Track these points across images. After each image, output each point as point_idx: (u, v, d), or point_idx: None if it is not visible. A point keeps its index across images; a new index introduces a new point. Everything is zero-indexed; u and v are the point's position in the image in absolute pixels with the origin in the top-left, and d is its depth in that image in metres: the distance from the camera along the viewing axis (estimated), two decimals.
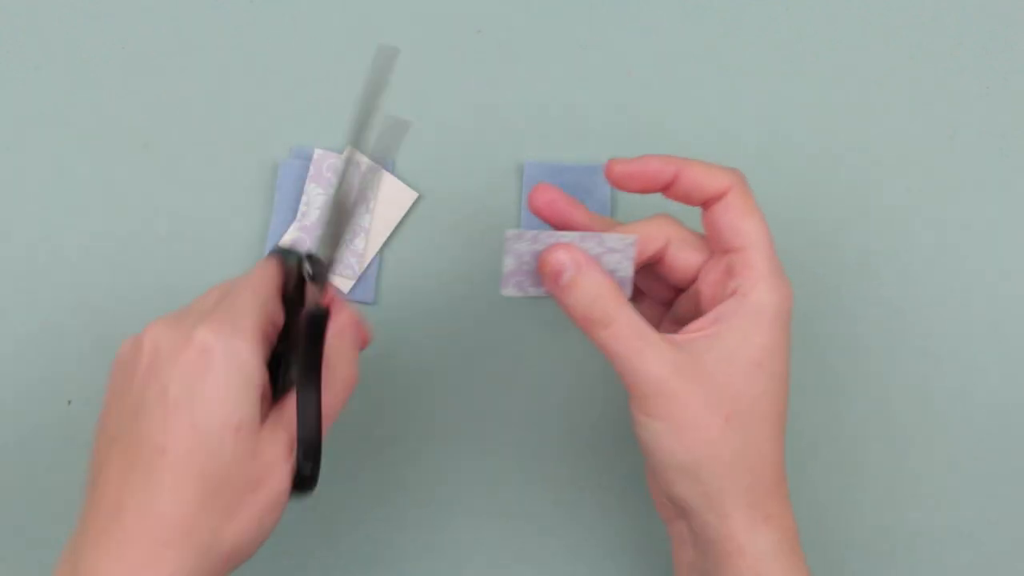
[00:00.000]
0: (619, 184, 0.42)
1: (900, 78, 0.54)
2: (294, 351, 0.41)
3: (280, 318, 0.41)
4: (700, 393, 0.39)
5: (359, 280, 0.52)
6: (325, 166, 0.52)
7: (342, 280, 0.52)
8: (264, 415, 0.39)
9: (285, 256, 0.42)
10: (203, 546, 0.37)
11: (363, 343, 0.43)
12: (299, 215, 0.52)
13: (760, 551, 0.40)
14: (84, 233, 0.52)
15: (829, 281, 0.53)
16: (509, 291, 0.43)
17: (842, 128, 0.54)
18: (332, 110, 0.53)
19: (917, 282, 0.53)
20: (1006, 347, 0.53)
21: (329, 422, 0.40)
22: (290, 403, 0.40)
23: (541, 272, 0.41)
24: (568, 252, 0.40)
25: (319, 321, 0.40)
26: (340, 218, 0.42)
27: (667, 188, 0.42)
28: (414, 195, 0.53)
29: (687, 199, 0.42)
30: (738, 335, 0.40)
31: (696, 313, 0.43)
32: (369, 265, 0.52)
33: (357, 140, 0.40)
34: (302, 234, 0.52)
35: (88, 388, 0.51)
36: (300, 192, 0.52)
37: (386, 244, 0.53)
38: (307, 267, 0.40)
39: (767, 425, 0.40)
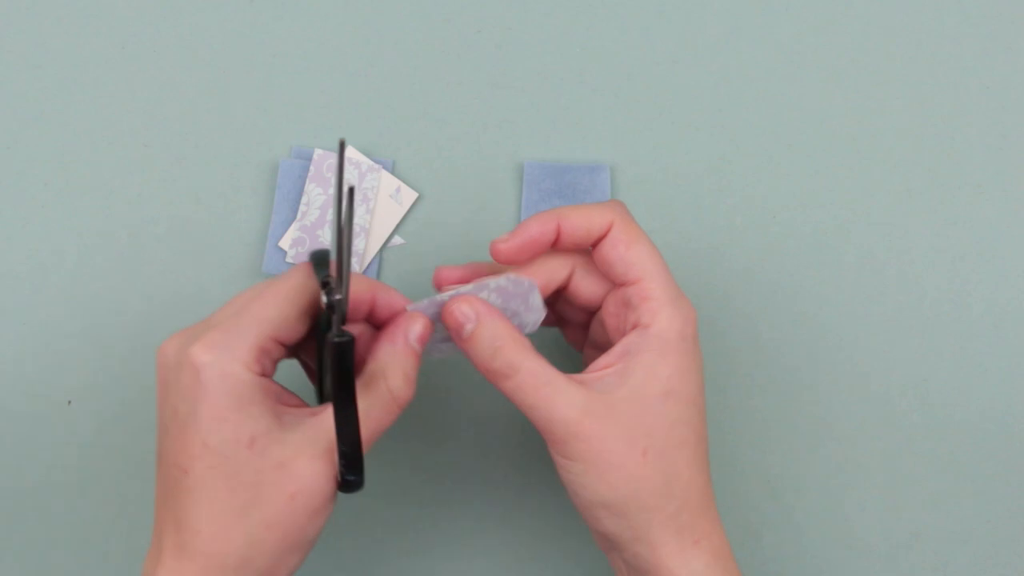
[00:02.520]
0: (510, 261, 0.42)
1: (900, 78, 0.54)
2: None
3: (298, 328, 0.40)
4: (614, 431, 0.39)
5: None
6: (325, 166, 0.52)
7: None
8: (291, 422, 0.38)
9: (317, 264, 0.41)
10: (242, 558, 0.37)
11: (424, 340, 0.41)
12: (299, 215, 0.52)
13: (692, 574, 0.40)
14: (84, 233, 0.52)
15: (829, 280, 0.53)
16: (433, 355, 0.42)
17: (841, 128, 0.54)
18: (332, 110, 0.53)
19: (917, 282, 0.53)
20: (1006, 347, 0.53)
21: (375, 436, 0.40)
22: (328, 413, 0.39)
23: (447, 326, 0.41)
24: (468, 304, 0.40)
25: (344, 350, 0.39)
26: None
27: (554, 244, 0.42)
28: (414, 195, 0.53)
29: (576, 246, 0.42)
30: (645, 369, 0.40)
31: (606, 338, 0.43)
32: (369, 265, 0.52)
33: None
34: (302, 234, 0.52)
35: (88, 388, 0.51)
36: (300, 192, 0.52)
37: (386, 244, 0.53)
38: (323, 298, 0.39)
39: (686, 451, 0.40)
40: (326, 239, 0.52)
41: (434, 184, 0.53)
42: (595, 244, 0.42)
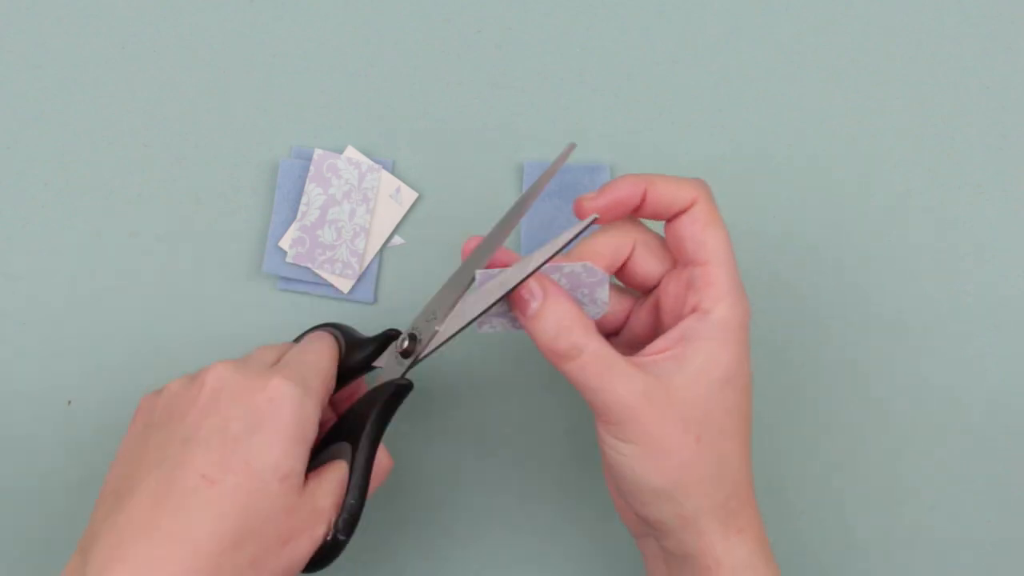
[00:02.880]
0: (610, 199, 0.41)
1: (900, 78, 0.54)
2: (350, 421, 0.42)
3: (333, 389, 0.42)
4: (671, 416, 0.39)
5: (359, 280, 0.52)
6: (325, 166, 0.52)
7: (342, 280, 0.52)
8: (305, 480, 0.40)
9: (344, 332, 0.44)
10: None
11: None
12: (299, 215, 0.52)
13: (736, 563, 0.40)
14: (83, 233, 0.52)
15: (828, 280, 0.53)
16: (484, 328, 0.42)
17: (841, 128, 0.54)
18: (332, 110, 0.53)
19: (916, 282, 0.53)
20: (1006, 347, 0.53)
21: (371, 494, 0.42)
22: (334, 471, 0.40)
23: (511, 302, 0.41)
24: (536, 281, 0.40)
25: (404, 392, 0.42)
26: (455, 297, 0.42)
27: (636, 210, 0.41)
28: (414, 195, 0.53)
29: (655, 215, 0.42)
30: (704, 355, 0.40)
31: (653, 325, 0.43)
32: (369, 265, 0.52)
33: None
34: (302, 234, 0.52)
35: (88, 388, 0.51)
36: (300, 192, 0.52)
37: (386, 244, 0.53)
38: (405, 343, 0.43)
39: (737, 441, 0.41)
40: (327, 239, 0.52)
41: (434, 184, 0.53)
42: (672, 219, 0.41)
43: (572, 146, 0.42)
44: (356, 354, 0.44)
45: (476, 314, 0.40)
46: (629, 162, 0.53)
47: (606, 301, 0.42)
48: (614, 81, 0.54)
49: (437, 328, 0.42)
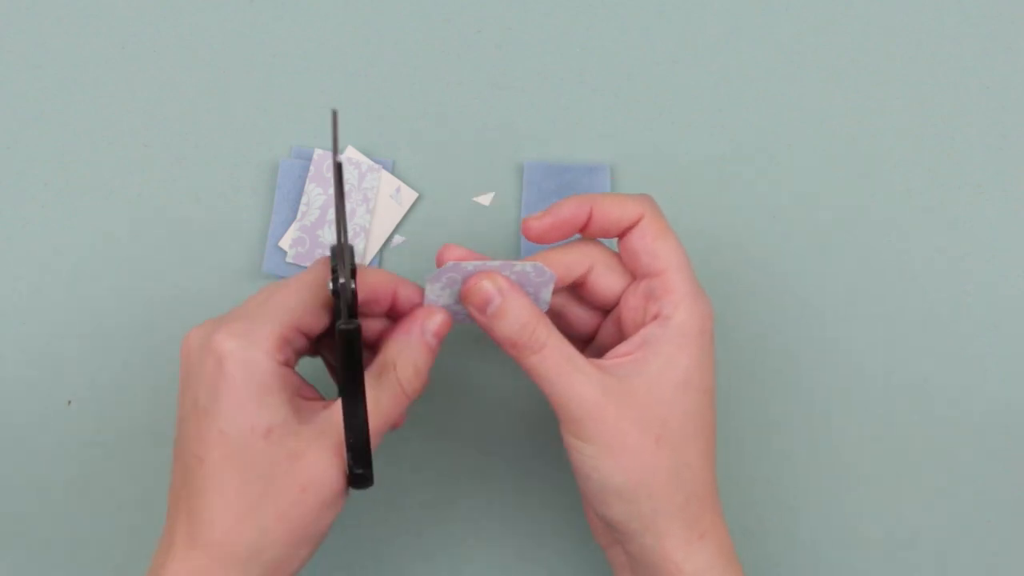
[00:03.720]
0: (540, 239, 0.42)
1: (900, 78, 0.54)
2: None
3: (320, 319, 0.40)
4: (630, 416, 0.39)
5: None
6: (325, 166, 0.52)
7: None
8: (306, 414, 0.39)
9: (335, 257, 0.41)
10: (253, 549, 0.37)
11: (437, 342, 0.42)
12: (299, 215, 0.52)
13: (697, 568, 0.40)
14: (84, 233, 0.52)
15: (829, 280, 0.53)
16: (457, 322, 0.43)
17: (841, 128, 0.54)
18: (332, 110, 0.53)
19: (917, 281, 0.53)
20: (1006, 347, 0.53)
21: (383, 428, 0.40)
22: (335, 410, 0.39)
23: (465, 302, 0.41)
24: (492, 280, 0.41)
25: (350, 337, 0.39)
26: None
27: (583, 229, 0.42)
28: (414, 195, 0.53)
29: (604, 234, 0.43)
30: (663, 358, 0.40)
31: (618, 340, 0.43)
32: (369, 265, 0.52)
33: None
34: (302, 234, 0.52)
35: (88, 388, 0.51)
36: (300, 192, 0.52)
37: (386, 244, 0.53)
38: (329, 284, 0.39)
39: (698, 443, 0.41)
40: (327, 239, 0.52)
41: (434, 184, 0.53)
42: (623, 234, 0.42)
43: (335, 112, 0.40)
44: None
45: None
46: (629, 162, 0.53)
47: (547, 301, 0.43)
48: (614, 81, 0.54)
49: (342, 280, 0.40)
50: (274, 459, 0.38)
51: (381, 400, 0.40)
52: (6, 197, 0.53)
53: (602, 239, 0.44)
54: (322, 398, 0.41)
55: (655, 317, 0.41)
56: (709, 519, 0.41)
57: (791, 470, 0.52)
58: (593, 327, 0.45)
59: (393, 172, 0.53)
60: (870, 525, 0.51)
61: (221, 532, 0.37)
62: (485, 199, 0.53)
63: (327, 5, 0.54)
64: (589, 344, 0.46)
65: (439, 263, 0.42)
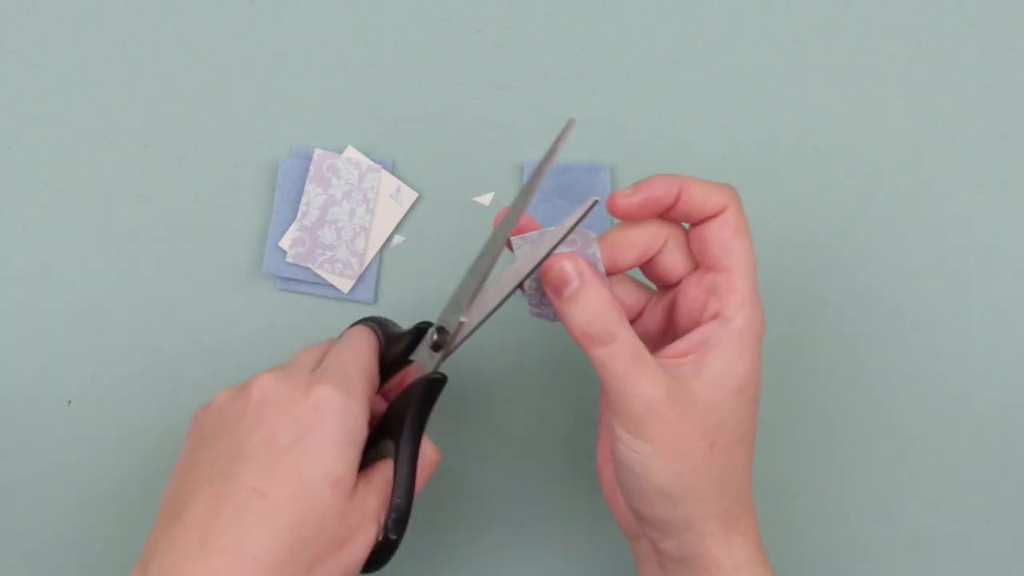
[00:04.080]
0: (626, 216, 0.41)
1: (900, 78, 0.54)
2: (391, 418, 0.42)
3: (377, 385, 0.42)
4: (689, 419, 0.39)
5: (359, 280, 0.52)
6: (325, 166, 0.52)
7: (342, 280, 0.52)
8: (356, 484, 0.40)
9: (382, 326, 0.44)
10: None
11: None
12: (299, 215, 0.52)
13: (736, 564, 0.40)
14: (84, 233, 0.52)
15: (829, 281, 0.53)
16: (532, 315, 0.43)
17: (841, 128, 0.54)
18: (332, 110, 0.53)
19: (917, 282, 0.53)
20: (1006, 347, 0.53)
21: (415, 493, 0.41)
22: (380, 471, 0.41)
23: (544, 281, 0.40)
24: (572, 263, 0.39)
25: (437, 387, 0.42)
26: (477, 284, 0.41)
27: (669, 211, 0.41)
28: (414, 195, 0.53)
29: (687, 218, 0.41)
30: (723, 363, 0.39)
31: (666, 323, 0.43)
32: (369, 265, 0.52)
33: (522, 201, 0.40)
34: (302, 234, 0.52)
35: (88, 388, 0.51)
36: (300, 192, 0.52)
37: (386, 244, 0.53)
38: (434, 336, 0.42)
39: (744, 448, 0.41)
40: (326, 238, 0.52)
41: (434, 184, 0.53)
42: (700, 222, 0.41)
43: (572, 123, 0.41)
44: (394, 348, 0.43)
45: (499, 300, 0.40)
46: (629, 162, 0.53)
47: (597, 257, 0.41)
48: (614, 81, 0.54)
49: (463, 319, 0.42)
50: (329, 512, 0.38)
51: (427, 452, 0.42)
52: (6, 197, 0.53)
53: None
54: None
55: (714, 316, 0.40)
56: (748, 519, 0.41)
57: (791, 470, 0.52)
58: (639, 309, 0.44)
59: (393, 172, 0.53)
60: (870, 525, 0.51)
61: (259, 570, 0.37)
62: (485, 199, 0.53)
63: (327, 5, 0.54)
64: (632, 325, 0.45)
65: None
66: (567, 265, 0.39)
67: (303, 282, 0.52)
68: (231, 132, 0.53)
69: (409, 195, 0.53)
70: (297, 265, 0.52)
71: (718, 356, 0.39)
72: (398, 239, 0.53)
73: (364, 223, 0.52)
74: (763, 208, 0.53)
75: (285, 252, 0.52)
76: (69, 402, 0.51)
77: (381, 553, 0.40)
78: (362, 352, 0.42)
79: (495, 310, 0.41)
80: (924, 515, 0.51)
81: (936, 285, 0.53)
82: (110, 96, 0.53)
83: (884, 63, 0.54)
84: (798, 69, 0.54)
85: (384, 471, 0.41)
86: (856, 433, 0.52)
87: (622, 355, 0.39)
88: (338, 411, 0.39)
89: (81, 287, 0.52)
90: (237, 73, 0.54)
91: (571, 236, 0.40)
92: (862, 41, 0.54)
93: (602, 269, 0.41)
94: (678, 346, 0.40)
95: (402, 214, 0.53)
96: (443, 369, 0.42)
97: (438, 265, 0.52)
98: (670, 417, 0.39)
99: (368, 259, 0.52)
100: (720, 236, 0.40)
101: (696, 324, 0.41)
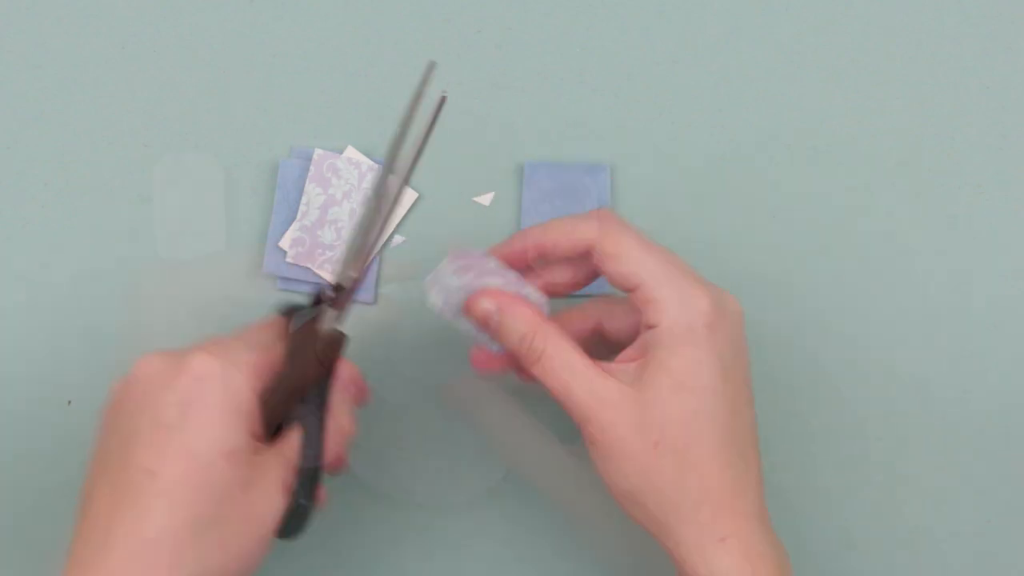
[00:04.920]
0: (510, 262, 0.44)
1: (900, 78, 0.54)
2: (298, 384, 0.41)
3: (279, 364, 0.41)
4: (625, 421, 0.40)
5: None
6: (325, 166, 0.52)
7: None
8: (257, 448, 0.39)
9: (294, 311, 0.43)
10: (189, 573, 0.37)
11: (361, 400, 0.44)
12: (299, 215, 0.52)
13: (713, 572, 0.39)
14: (84, 233, 0.52)
15: (829, 280, 0.53)
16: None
17: (841, 128, 0.54)
18: (332, 110, 0.53)
19: (917, 281, 0.53)
20: (1006, 347, 0.53)
21: (325, 469, 0.41)
22: (288, 437, 0.40)
23: (473, 317, 0.43)
24: (489, 298, 0.43)
25: (337, 345, 0.41)
26: (367, 237, 0.43)
27: (544, 257, 0.43)
28: (414, 195, 0.53)
29: (566, 257, 0.43)
30: (656, 363, 0.40)
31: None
32: (369, 265, 0.52)
33: (392, 156, 0.42)
34: (302, 234, 0.52)
35: (88, 388, 0.51)
36: (300, 192, 0.52)
37: (386, 244, 0.53)
38: (331, 294, 0.42)
39: (706, 444, 0.40)
40: (326, 238, 0.52)
41: (434, 184, 0.53)
42: (585, 254, 0.43)
43: (433, 64, 0.43)
44: (299, 317, 0.42)
45: (377, 249, 0.43)
46: (629, 162, 0.53)
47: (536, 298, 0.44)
48: (614, 81, 0.54)
49: (353, 275, 0.42)
50: (229, 483, 0.38)
51: (327, 442, 0.41)
52: (6, 197, 0.53)
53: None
54: (263, 434, 0.41)
55: (648, 327, 0.41)
56: (730, 523, 0.40)
57: (790, 470, 0.52)
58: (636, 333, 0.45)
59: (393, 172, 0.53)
60: (870, 525, 0.51)
61: (159, 552, 0.36)
62: (485, 199, 0.53)
63: (327, 5, 0.54)
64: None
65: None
66: (483, 302, 0.43)
67: (303, 282, 0.52)
68: (231, 132, 0.53)
69: (409, 195, 0.53)
70: (297, 265, 0.52)
71: (652, 358, 0.41)
72: (398, 239, 0.53)
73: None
74: (762, 207, 0.53)
75: (285, 252, 0.52)
76: (69, 402, 0.51)
77: (293, 519, 0.40)
78: (256, 328, 0.42)
79: (374, 257, 0.43)
80: (924, 515, 0.51)
81: (936, 285, 0.53)
82: (110, 96, 0.53)
83: (884, 63, 0.54)
84: (798, 69, 0.54)
85: (292, 437, 0.40)
86: (855, 433, 0.52)
87: (550, 367, 0.41)
88: (218, 382, 0.38)
89: (81, 287, 0.52)
90: (237, 73, 0.54)
91: (496, 268, 0.43)
92: (862, 41, 0.54)
93: (527, 291, 0.43)
94: (627, 352, 0.42)
95: (402, 214, 0.53)
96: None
97: (438, 265, 0.52)
98: (606, 420, 0.40)
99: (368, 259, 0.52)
100: (605, 268, 0.42)
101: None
